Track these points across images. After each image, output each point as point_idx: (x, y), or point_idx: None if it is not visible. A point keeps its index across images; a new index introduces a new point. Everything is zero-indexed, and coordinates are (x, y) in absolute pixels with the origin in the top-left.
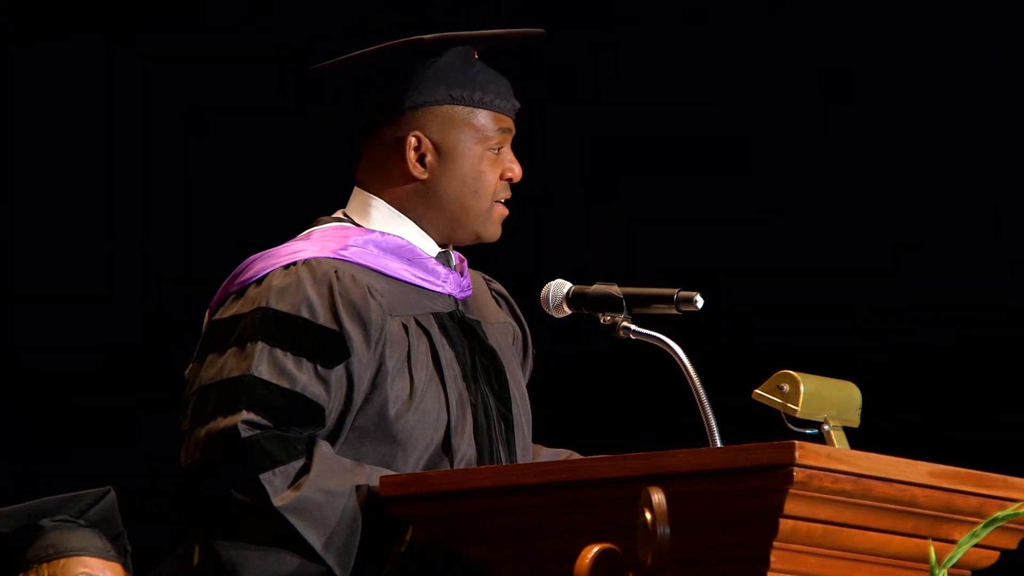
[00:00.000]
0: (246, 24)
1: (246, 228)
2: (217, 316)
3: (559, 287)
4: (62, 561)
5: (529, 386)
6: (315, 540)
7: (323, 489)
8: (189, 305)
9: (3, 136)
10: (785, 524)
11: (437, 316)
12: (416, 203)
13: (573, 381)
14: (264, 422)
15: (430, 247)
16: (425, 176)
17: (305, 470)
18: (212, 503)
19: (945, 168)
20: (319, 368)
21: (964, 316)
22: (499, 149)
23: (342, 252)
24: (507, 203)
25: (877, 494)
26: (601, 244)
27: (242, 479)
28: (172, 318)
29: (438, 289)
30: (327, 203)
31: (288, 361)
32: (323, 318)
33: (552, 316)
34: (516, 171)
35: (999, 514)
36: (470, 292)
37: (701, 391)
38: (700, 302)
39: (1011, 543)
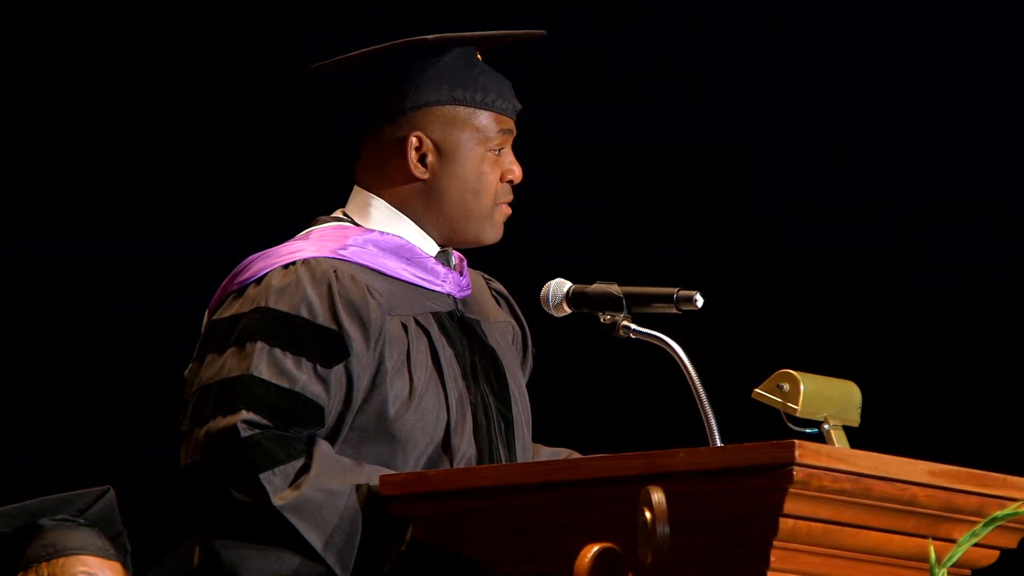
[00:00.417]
0: (246, 24)
1: (246, 228)
2: (216, 316)
3: (559, 286)
4: (61, 560)
5: (529, 386)
6: (315, 540)
7: (323, 488)
8: (189, 305)
9: (3, 136)
10: (785, 523)
11: (436, 315)
12: (416, 203)
13: (573, 381)
14: (264, 422)
15: (429, 247)
16: (426, 176)
17: (305, 470)
18: (212, 503)
19: (945, 168)
20: (318, 368)
21: (964, 316)
22: (500, 150)
23: (341, 252)
24: (509, 203)
25: (877, 493)
26: (601, 244)
27: (242, 479)
28: (172, 318)
29: (437, 288)
30: (327, 203)
31: (287, 361)
32: (322, 318)
33: (552, 315)
34: (516, 172)
35: (999, 513)
36: (469, 291)
37: (701, 391)
38: (700, 301)
39: (1011, 542)
